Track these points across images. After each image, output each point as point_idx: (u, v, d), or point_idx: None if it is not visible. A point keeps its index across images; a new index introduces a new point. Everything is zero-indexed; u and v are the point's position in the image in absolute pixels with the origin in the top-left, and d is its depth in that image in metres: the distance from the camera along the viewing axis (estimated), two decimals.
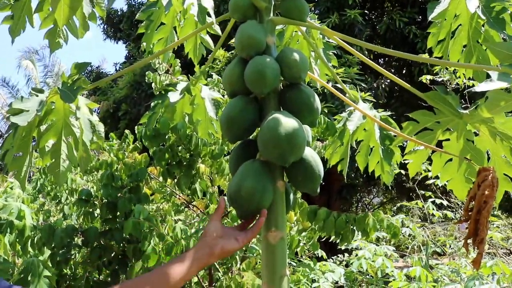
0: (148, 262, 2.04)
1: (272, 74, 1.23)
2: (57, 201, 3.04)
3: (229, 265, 2.72)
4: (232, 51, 7.29)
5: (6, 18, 1.85)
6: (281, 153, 1.15)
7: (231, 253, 1.21)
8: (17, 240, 2.23)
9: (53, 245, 2.20)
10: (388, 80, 9.36)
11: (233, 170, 1.29)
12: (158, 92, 2.44)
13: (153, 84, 2.88)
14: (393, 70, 10.41)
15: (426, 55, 6.25)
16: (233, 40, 2.19)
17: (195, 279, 2.80)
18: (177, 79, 2.64)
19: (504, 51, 1.10)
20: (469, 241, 1.38)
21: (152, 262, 2.03)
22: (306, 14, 1.46)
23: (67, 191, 2.95)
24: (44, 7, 1.91)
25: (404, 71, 10.58)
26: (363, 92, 4.17)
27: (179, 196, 2.92)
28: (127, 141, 2.75)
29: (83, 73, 1.66)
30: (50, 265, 2.29)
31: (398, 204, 7.45)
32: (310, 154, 1.26)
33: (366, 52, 8.79)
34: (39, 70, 22.51)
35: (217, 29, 1.92)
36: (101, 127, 1.81)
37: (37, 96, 1.60)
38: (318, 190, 1.28)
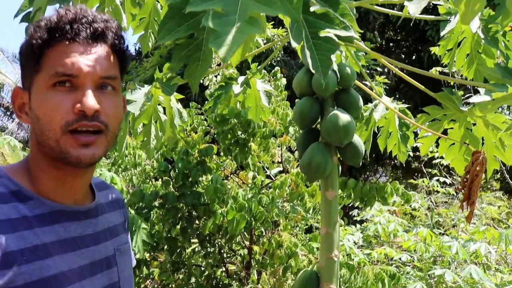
0: (216, 219, 2.64)
1: (332, 83, 1.76)
2: (125, 172, 3.62)
3: (266, 228, 3.29)
4: None
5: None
6: (339, 138, 1.69)
7: None
8: None
9: (136, 206, 2.79)
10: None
11: (301, 148, 1.82)
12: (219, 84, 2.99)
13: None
14: (403, 56, 10.88)
15: (437, 48, 6.68)
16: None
17: (237, 239, 3.38)
18: (229, 72, 3.17)
19: (491, 73, 1.63)
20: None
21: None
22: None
23: (132, 165, 3.53)
24: (136, 18, 2.44)
25: (414, 57, 11.04)
26: (378, 76, 4.64)
27: (225, 168, 3.50)
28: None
29: None
30: None
31: (403, 184, 7.95)
32: (357, 138, 1.81)
33: (379, 39, 9.27)
34: None
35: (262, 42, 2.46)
36: (184, 114, 2.38)
37: (140, 89, 2.14)
38: (360, 164, 1.84)
